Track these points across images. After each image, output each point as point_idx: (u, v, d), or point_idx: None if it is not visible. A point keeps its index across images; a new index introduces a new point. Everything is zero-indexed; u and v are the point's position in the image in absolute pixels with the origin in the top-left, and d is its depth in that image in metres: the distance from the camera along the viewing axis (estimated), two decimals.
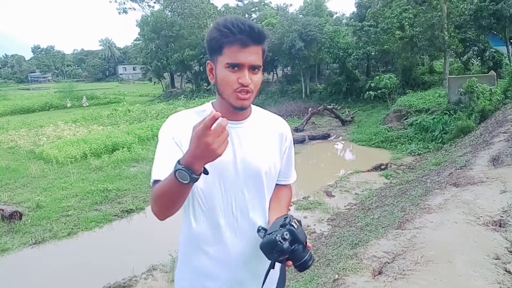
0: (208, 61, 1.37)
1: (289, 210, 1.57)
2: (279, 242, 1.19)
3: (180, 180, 1.09)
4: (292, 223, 1.25)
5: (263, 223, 1.42)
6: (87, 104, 31.01)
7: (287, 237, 1.21)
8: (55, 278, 5.60)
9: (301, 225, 1.28)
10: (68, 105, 31.18)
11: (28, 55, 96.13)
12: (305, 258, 1.26)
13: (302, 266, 1.27)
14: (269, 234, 1.24)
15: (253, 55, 1.28)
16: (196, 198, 1.37)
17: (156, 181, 1.25)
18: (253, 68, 1.30)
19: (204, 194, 1.36)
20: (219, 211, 1.36)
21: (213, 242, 1.38)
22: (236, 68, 1.28)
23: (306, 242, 1.27)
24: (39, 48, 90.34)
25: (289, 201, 1.57)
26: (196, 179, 1.11)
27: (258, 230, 1.32)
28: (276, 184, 1.52)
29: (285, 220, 1.26)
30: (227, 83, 1.29)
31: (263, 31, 1.31)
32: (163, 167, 1.25)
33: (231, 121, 1.34)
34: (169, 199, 1.19)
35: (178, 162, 1.10)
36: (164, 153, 1.31)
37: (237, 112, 1.35)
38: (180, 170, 1.08)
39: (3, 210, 7.30)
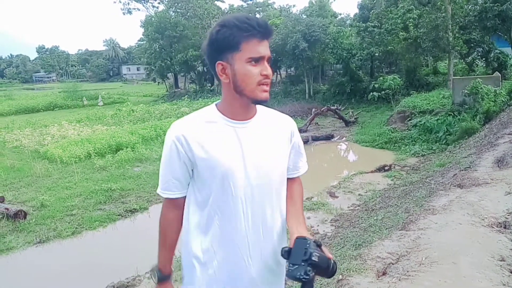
0: (218, 62, 1.32)
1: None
2: (303, 280, 1.22)
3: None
4: (313, 257, 1.24)
5: (278, 222, 1.43)
6: (102, 104, 31.77)
7: (310, 273, 1.23)
8: (59, 277, 5.61)
9: (320, 247, 1.29)
10: (85, 103, 32.03)
11: (33, 55, 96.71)
12: (329, 271, 1.30)
13: (328, 276, 1.33)
14: (292, 266, 1.24)
15: (267, 48, 1.33)
16: (206, 201, 1.37)
17: (168, 199, 1.43)
18: (268, 61, 1.34)
19: (214, 199, 1.36)
20: (231, 213, 1.35)
21: (226, 246, 1.37)
22: (257, 62, 1.31)
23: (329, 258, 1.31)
24: (44, 48, 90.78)
25: (301, 195, 1.56)
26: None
27: (282, 253, 1.32)
28: (287, 178, 1.51)
29: (305, 253, 1.24)
30: (250, 77, 1.30)
31: None
32: (167, 189, 1.41)
33: (239, 120, 1.37)
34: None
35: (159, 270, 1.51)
36: (169, 171, 1.40)
37: (243, 109, 1.36)
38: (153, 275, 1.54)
39: (8, 209, 7.34)
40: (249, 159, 1.34)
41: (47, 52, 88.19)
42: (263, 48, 1.31)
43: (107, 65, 77.13)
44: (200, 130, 1.35)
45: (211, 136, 1.34)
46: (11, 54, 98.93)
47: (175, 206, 1.44)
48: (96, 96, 34.96)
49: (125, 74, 73.96)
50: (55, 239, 6.64)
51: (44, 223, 7.21)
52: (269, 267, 1.43)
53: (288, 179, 1.52)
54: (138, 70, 69.22)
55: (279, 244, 1.43)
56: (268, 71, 1.32)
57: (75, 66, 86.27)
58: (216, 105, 1.42)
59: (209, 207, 1.37)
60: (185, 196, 1.44)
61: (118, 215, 7.60)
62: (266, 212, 1.40)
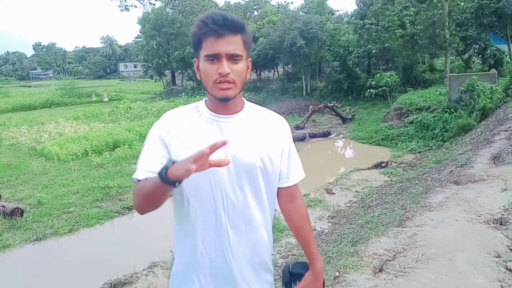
0: (194, 59, 1.38)
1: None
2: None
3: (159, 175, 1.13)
4: (290, 268, 1.51)
5: (261, 219, 1.40)
6: (107, 100, 32.36)
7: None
8: (56, 275, 5.61)
9: (304, 268, 1.50)
10: (94, 99, 32.79)
11: (30, 52, 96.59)
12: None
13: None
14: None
15: (230, 44, 1.27)
16: (186, 195, 1.36)
17: (139, 181, 1.30)
18: (232, 58, 1.28)
19: (193, 191, 1.34)
20: (210, 208, 1.34)
21: (204, 239, 1.36)
22: (214, 60, 1.27)
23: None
24: (40, 45, 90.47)
25: (304, 217, 1.54)
26: (169, 183, 1.12)
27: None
28: (278, 187, 1.47)
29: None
30: (207, 75, 1.29)
31: (238, 20, 1.30)
32: (145, 169, 1.30)
33: (221, 115, 1.36)
34: (147, 195, 1.23)
35: (172, 161, 1.13)
36: (148, 154, 1.35)
37: (224, 104, 1.34)
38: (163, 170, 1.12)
39: (4, 206, 7.31)
40: (230, 152, 1.32)
41: (44, 49, 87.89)
42: (221, 45, 1.26)
43: (104, 62, 76.91)
44: (185, 123, 1.37)
45: (194, 129, 1.35)
46: (7, 51, 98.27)
47: None
48: (93, 93, 34.92)
49: (122, 71, 73.73)
50: (52, 237, 6.63)
51: (41, 220, 7.19)
52: (251, 266, 1.40)
53: (282, 189, 1.48)
54: (135, 67, 69.04)
55: (262, 243, 1.41)
56: (222, 69, 1.26)
57: (72, 63, 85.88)
58: (205, 100, 1.43)
59: (188, 203, 1.36)
60: None
61: (115, 212, 7.60)
62: (247, 209, 1.37)
